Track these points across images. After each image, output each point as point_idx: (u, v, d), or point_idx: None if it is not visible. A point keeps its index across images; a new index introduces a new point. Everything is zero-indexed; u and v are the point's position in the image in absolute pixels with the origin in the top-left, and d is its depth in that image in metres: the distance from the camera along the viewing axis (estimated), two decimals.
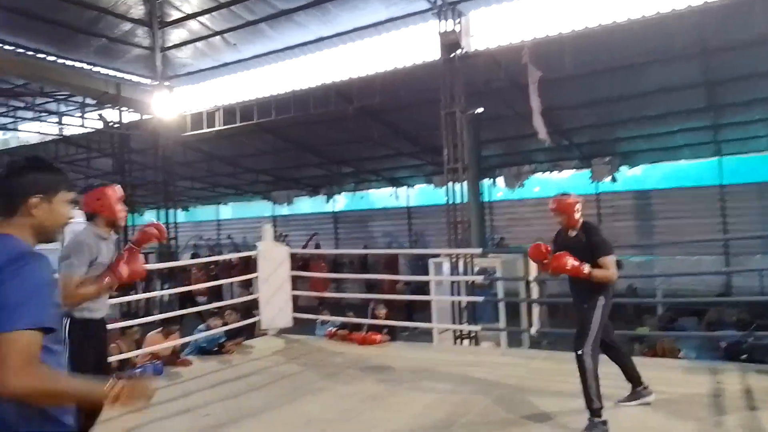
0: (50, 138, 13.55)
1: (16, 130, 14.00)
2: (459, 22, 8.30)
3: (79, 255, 2.86)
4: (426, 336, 7.59)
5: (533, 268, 5.92)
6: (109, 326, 6.10)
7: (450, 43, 8.10)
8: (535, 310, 5.99)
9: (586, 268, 3.76)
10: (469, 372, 5.30)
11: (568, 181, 15.75)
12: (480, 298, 7.02)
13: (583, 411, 3.76)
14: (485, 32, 8.57)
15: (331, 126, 11.68)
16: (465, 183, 8.07)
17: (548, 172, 15.35)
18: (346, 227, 18.78)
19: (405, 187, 17.67)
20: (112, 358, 5.39)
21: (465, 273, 7.51)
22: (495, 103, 10.01)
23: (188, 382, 5.31)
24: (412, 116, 11.16)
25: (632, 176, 14.84)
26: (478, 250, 7.60)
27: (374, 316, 6.99)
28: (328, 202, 18.55)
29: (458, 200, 8.02)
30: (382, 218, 18.40)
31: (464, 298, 7.17)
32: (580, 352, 3.71)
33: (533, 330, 5.82)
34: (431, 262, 9.70)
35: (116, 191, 3.07)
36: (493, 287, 8.91)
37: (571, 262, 3.74)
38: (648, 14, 7.28)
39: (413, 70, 8.89)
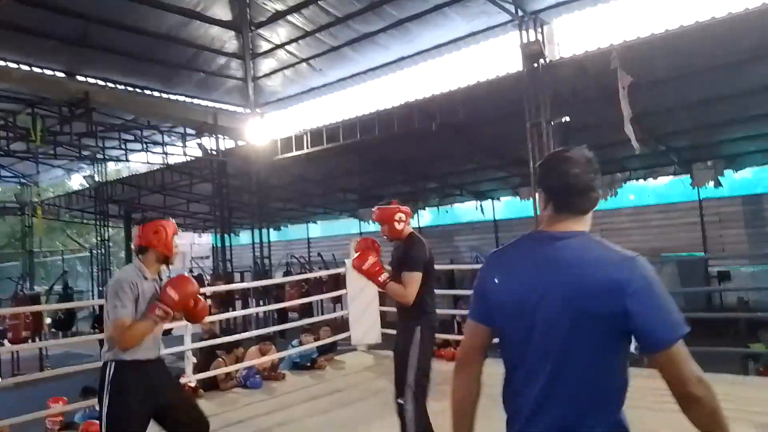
0: (156, 167, 14.69)
1: (127, 161, 15.28)
2: (541, 32, 8.16)
3: (122, 294, 2.68)
4: None
5: None
6: (207, 343, 6.52)
7: (533, 53, 7.97)
8: None
9: (384, 276, 3.43)
10: None
11: (666, 187, 14.87)
12: None
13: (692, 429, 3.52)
14: (570, 39, 8.37)
15: (414, 143, 11.79)
16: None
17: (643, 180, 14.55)
18: (431, 242, 18.68)
19: (490, 200, 17.42)
20: (216, 372, 5.73)
21: None
22: (582, 111, 9.67)
23: (283, 396, 5.52)
24: (495, 129, 11.03)
25: (740, 180, 13.74)
26: None
27: (461, 333, 6.93)
28: (413, 217, 18.63)
29: None
30: (468, 232, 18.22)
31: None
32: (400, 401, 3.26)
33: (632, 347, 5.52)
34: None
35: (173, 226, 2.98)
36: None
37: (371, 261, 3.43)
38: (752, 5, 6.77)
39: (495, 83, 8.82)
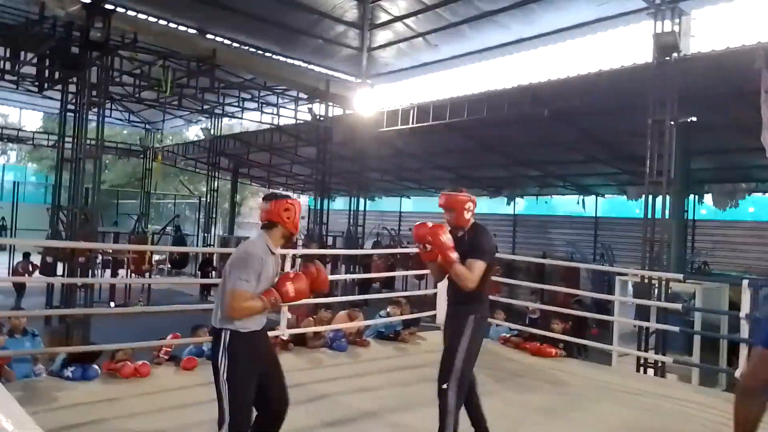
0: (266, 127, 15.36)
1: (241, 118, 16.10)
2: (678, 22, 7.57)
3: (249, 269, 2.81)
4: (602, 357, 7.15)
5: (746, 300, 5.22)
6: (302, 301, 6.82)
7: (666, 45, 7.43)
8: (744, 350, 5.27)
9: (454, 255, 3.25)
10: (657, 403, 4.90)
11: None
12: (675, 328, 6.37)
13: None
14: (708, 33, 7.71)
15: (521, 128, 11.47)
16: (668, 198, 7.37)
17: None
18: (525, 231, 18.32)
19: (593, 196, 16.65)
20: (305, 330, 6.00)
21: (658, 297, 6.89)
22: (711, 111, 8.95)
23: (366, 363, 5.69)
24: (610, 122, 10.47)
25: None
26: (679, 276, 6.88)
27: (550, 329, 6.76)
28: (508, 204, 18.26)
29: (658, 215, 7.36)
30: (566, 226, 17.59)
31: (657, 325, 6.58)
32: (444, 386, 3.21)
33: (738, 373, 5.14)
34: (618, 279, 9.05)
35: (300, 205, 3.06)
36: (687, 315, 8.03)
37: (447, 236, 3.28)
38: None
39: (619, 73, 8.32)
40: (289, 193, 3.28)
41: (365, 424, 4.03)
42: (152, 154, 21.96)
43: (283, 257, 6.37)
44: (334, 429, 3.89)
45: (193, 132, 27.48)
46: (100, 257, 14.24)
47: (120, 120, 20.43)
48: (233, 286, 2.77)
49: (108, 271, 14.68)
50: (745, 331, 5.28)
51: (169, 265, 18.20)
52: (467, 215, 3.47)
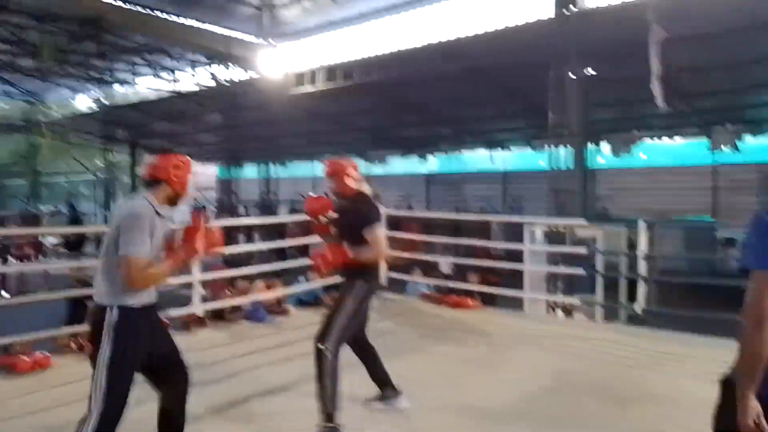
0: (165, 93, 14.41)
1: (135, 84, 14.98)
2: None
3: (141, 232, 2.44)
4: (514, 303, 7.50)
5: (643, 241, 5.58)
6: (216, 274, 6.56)
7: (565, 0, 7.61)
8: (642, 287, 5.66)
9: (351, 253, 3.32)
10: (568, 343, 5.18)
11: (681, 148, 14.59)
12: (580, 270, 6.74)
13: (690, 393, 3.56)
14: None
15: (432, 86, 11.49)
16: (569, 148, 7.68)
17: (658, 139, 14.24)
18: (439, 189, 18.67)
19: (502, 151, 17.16)
20: (224, 304, 5.78)
21: (564, 243, 7.24)
22: (608, 64, 9.35)
23: (289, 331, 5.58)
24: (518, 76, 10.71)
25: (757, 145, 13.44)
26: (582, 221, 7.26)
27: (466, 281, 6.95)
28: (421, 162, 18.47)
29: (562, 166, 7.68)
30: (477, 181, 18.08)
31: (564, 270, 6.93)
32: (321, 347, 3.22)
33: (638, 308, 5.53)
34: (527, 229, 9.41)
35: (192, 164, 2.74)
36: (591, 259, 8.53)
37: (335, 254, 3.33)
38: None
39: (523, 29, 8.48)
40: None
41: (289, 393, 3.94)
42: (37, 128, 20.08)
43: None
44: (261, 401, 3.77)
45: (84, 103, 25.40)
46: None
47: None
48: (127, 254, 2.39)
49: None
50: (643, 268, 5.67)
51: (65, 248, 16.90)
52: (350, 182, 3.45)
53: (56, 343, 4.58)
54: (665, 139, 14.19)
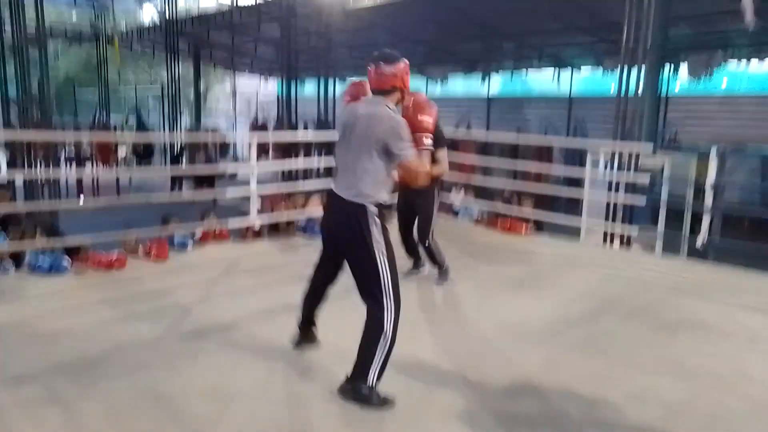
0: (226, 6, 14.31)
1: None
2: None
3: (408, 136, 2.63)
4: (571, 231, 7.35)
5: (712, 170, 5.27)
6: (274, 189, 6.74)
7: None
8: (706, 219, 5.41)
9: (439, 154, 4.09)
10: (620, 271, 5.10)
11: (764, 77, 13.35)
12: (642, 199, 6.48)
13: (742, 325, 3.48)
14: None
15: None
16: (643, 68, 7.15)
17: (746, 60, 13.04)
18: (499, 111, 18.06)
19: (569, 69, 16.24)
20: (279, 217, 5.98)
21: (627, 170, 6.92)
22: None
23: None
24: None
25: None
26: (648, 146, 6.89)
27: (520, 205, 6.85)
28: (483, 82, 17.79)
29: (632, 89, 7.19)
30: (540, 105, 17.34)
31: (624, 199, 6.68)
32: (428, 244, 4.47)
33: (700, 240, 5.32)
34: (589, 154, 9.07)
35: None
36: (656, 187, 8.18)
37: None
38: None
39: None
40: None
41: (343, 300, 4.10)
42: (105, 38, 20.51)
43: (252, 144, 6.19)
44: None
45: (148, 13, 25.59)
46: (63, 153, 13.76)
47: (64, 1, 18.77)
48: (410, 157, 2.59)
49: (73, 166, 14.26)
50: (709, 199, 5.40)
51: (135, 157, 17.71)
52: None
53: (125, 247, 4.91)
54: (752, 62, 13.01)
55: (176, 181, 13.74)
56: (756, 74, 13.48)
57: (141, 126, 19.64)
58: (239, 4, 13.68)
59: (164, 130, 20.80)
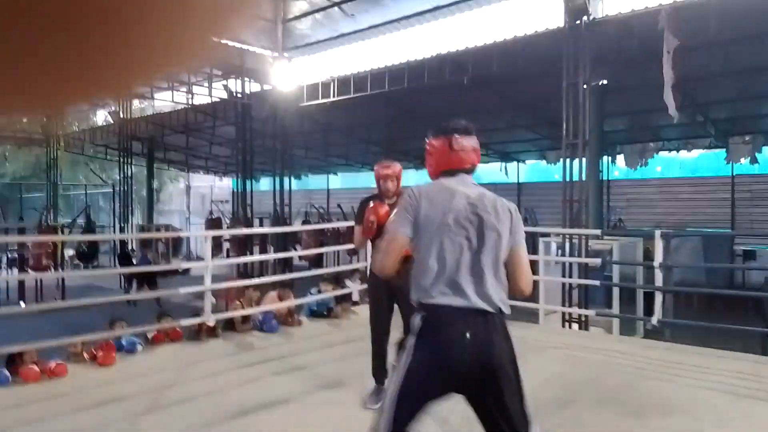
0: (180, 106, 14.58)
1: (152, 98, 15.19)
2: None
3: None
4: (529, 316, 7.40)
5: (659, 252, 5.48)
6: (228, 284, 6.58)
7: (577, 8, 7.58)
8: (658, 298, 5.55)
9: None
10: (582, 354, 5.08)
11: (697, 160, 14.45)
12: (596, 282, 6.64)
13: (709, 405, 3.46)
14: None
15: (443, 96, 11.50)
16: (584, 159, 7.61)
17: (676, 151, 14.12)
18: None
19: (515, 163, 17.11)
20: (235, 314, 5.78)
21: (578, 254, 7.15)
22: (622, 73, 9.31)
23: (300, 342, 5.56)
24: (529, 87, 10.69)
25: None
26: (597, 231, 7.17)
27: None
28: None
29: (576, 177, 7.60)
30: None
31: (579, 281, 6.83)
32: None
33: (654, 319, 5.43)
34: (541, 240, 9.34)
35: None
36: (606, 270, 8.43)
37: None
38: None
39: (534, 38, 8.46)
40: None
41: (301, 402, 3.90)
42: (56, 141, 20.41)
43: (210, 238, 6.10)
44: (269, 411, 3.74)
45: (101, 117, 25.83)
46: (5, 257, 13.18)
47: None
48: (526, 257, 2.14)
49: (15, 270, 13.62)
50: (659, 279, 5.57)
51: (77, 259, 17.07)
52: (401, 184, 3.74)
53: (70, 352, 4.60)
54: (683, 151, 14.07)
55: (128, 281, 13.26)
56: (685, 160, 14.52)
57: (90, 226, 19.14)
58: (193, 104, 13.97)
59: (114, 230, 20.32)
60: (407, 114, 13.44)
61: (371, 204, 3.55)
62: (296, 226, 13.47)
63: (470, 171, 2.19)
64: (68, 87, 0.34)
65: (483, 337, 1.93)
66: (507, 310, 2.03)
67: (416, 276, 2.04)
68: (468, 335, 1.91)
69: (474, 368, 1.92)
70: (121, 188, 18.35)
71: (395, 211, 2.19)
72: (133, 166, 20.13)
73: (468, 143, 2.17)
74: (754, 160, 12.82)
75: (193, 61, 0.38)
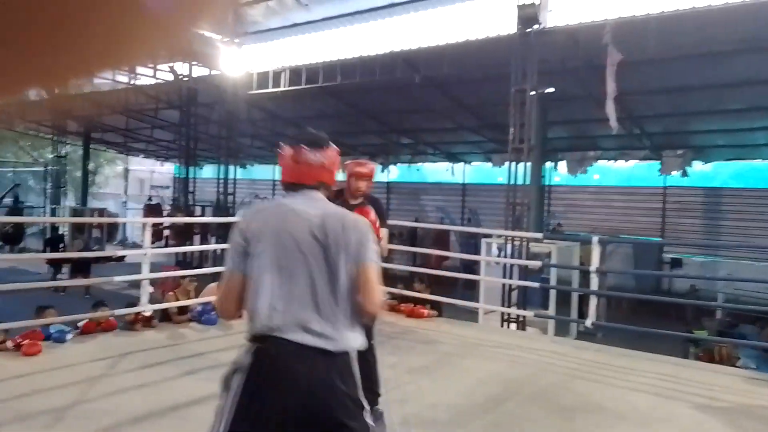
0: (122, 86, 13.96)
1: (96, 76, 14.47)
2: None
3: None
4: (469, 314, 7.56)
5: (596, 257, 5.71)
6: (165, 274, 6.37)
7: (528, 17, 7.76)
8: (593, 301, 5.79)
9: (382, 232, 3.40)
10: (518, 354, 5.23)
11: (632, 170, 15.14)
12: (536, 284, 6.85)
13: (633, 405, 3.64)
14: (565, 8, 8.16)
15: (394, 94, 11.55)
16: (528, 164, 7.82)
17: (613, 161, 14.76)
18: (398, 198, 18.76)
19: (462, 164, 17.40)
20: (169, 305, 5.60)
21: (519, 256, 7.34)
22: (566, 83, 9.62)
23: (239, 334, 5.45)
24: (478, 90, 10.89)
25: (702, 172, 14.11)
26: (539, 235, 7.39)
27: (414, 290, 6.96)
28: (383, 171, 18.54)
29: (519, 181, 7.80)
30: (436, 192, 18.25)
31: (519, 282, 7.02)
32: (372, 342, 3.16)
33: (588, 322, 5.65)
34: (484, 241, 9.55)
35: None
36: (543, 273, 8.72)
37: (372, 216, 3.32)
38: None
39: (485, 43, 8.60)
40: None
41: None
42: None
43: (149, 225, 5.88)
44: (201, 406, 3.64)
45: (33, 91, 24.40)
46: None
47: None
48: (375, 275, 1.84)
49: None
50: (594, 283, 5.81)
51: (1, 241, 16.13)
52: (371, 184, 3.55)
53: None
54: (620, 162, 14.72)
55: (56, 267, 12.61)
56: (621, 169, 15.19)
57: (15, 207, 18.10)
58: (135, 83, 13.40)
59: (45, 211, 19.29)
60: (357, 109, 13.41)
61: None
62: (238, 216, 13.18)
63: (317, 187, 1.96)
64: (16, 74, 0.32)
65: (319, 380, 1.67)
66: (353, 346, 1.77)
67: (248, 305, 1.81)
68: (302, 377, 1.66)
69: (306, 418, 1.66)
70: (54, 168, 17.45)
71: (229, 246, 1.94)
72: (67, 146, 19.19)
73: (315, 158, 1.94)
74: (684, 174, 13.57)
75: (155, 50, 0.36)
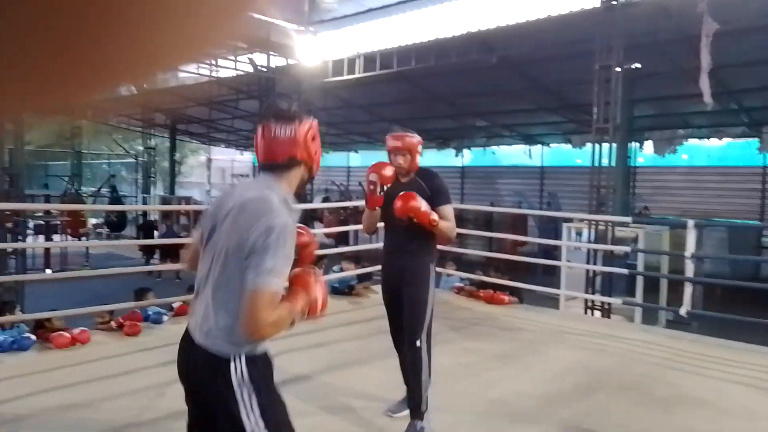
0: (205, 79, 14.55)
1: (177, 71, 15.21)
2: None
3: (287, 253, 1.64)
4: (549, 301, 7.34)
5: (691, 241, 5.37)
6: None
7: None
8: (688, 288, 5.45)
9: (435, 216, 2.91)
10: (606, 343, 5.04)
11: (726, 149, 14.08)
12: (624, 270, 6.55)
13: (737, 400, 3.40)
14: None
15: (469, 77, 11.32)
16: (614, 145, 7.45)
17: (706, 139, 13.78)
18: (473, 183, 18.48)
19: (539, 146, 16.85)
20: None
21: (603, 241, 7.04)
22: (654, 57, 9.06)
23: (323, 318, 5.58)
24: (557, 69, 10.47)
25: None
26: (627, 219, 7.06)
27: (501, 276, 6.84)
28: (456, 156, 18.30)
29: (604, 163, 7.45)
30: (513, 176, 17.81)
31: (604, 268, 6.74)
32: (418, 343, 2.96)
33: (683, 310, 5.34)
34: (565, 226, 9.23)
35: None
36: (629, 258, 8.32)
37: (423, 205, 2.90)
38: None
39: (566, 18, 8.22)
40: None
41: (327, 378, 3.93)
42: (80, 111, 20.58)
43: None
44: (297, 384, 3.77)
45: (125, 86, 25.93)
46: (31, 223, 13.40)
47: None
48: (264, 285, 1.56)
49: (41, 237, 13.87)
50: (690, 270, 5.46)
51: (107, 228, 17.39)
52: (418, 159, 3.15)
53: (97, 320, 4.68)
54: (713, 139, 13.74)
55: (148, 252, 13.44)
56: (712, 148, 14.17)
57: (114, 197, 19.42)
58: (217, 76, 13.94)
59: (137, 200, 20.56)
60: (431, 93, 13.28)
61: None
62: (317, 203, 13.49)
63: (290, 165, 1.76)
64: (92, 76, 0.32)
65: (194, 373, 1.73)
66: (224, 348, 1.65)
67: None
68: (185, 366, 1.77)
69: (189, 403, 1.81)
70: (144, 159, 18.51)
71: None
72: (155, 138, 20.28)
73: (283, 132, 1.75)
74: None
75: (223, 40, 0.34)
